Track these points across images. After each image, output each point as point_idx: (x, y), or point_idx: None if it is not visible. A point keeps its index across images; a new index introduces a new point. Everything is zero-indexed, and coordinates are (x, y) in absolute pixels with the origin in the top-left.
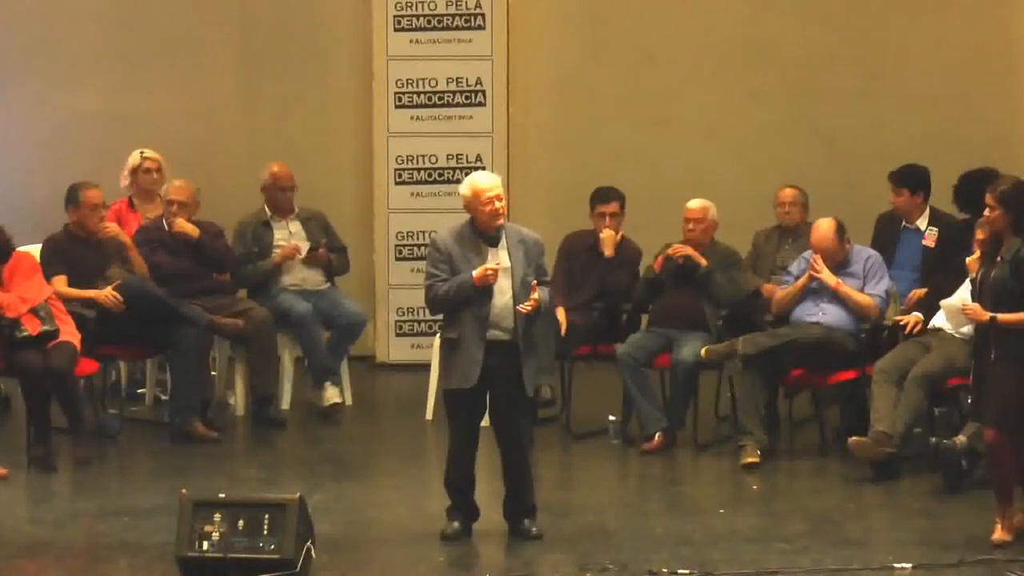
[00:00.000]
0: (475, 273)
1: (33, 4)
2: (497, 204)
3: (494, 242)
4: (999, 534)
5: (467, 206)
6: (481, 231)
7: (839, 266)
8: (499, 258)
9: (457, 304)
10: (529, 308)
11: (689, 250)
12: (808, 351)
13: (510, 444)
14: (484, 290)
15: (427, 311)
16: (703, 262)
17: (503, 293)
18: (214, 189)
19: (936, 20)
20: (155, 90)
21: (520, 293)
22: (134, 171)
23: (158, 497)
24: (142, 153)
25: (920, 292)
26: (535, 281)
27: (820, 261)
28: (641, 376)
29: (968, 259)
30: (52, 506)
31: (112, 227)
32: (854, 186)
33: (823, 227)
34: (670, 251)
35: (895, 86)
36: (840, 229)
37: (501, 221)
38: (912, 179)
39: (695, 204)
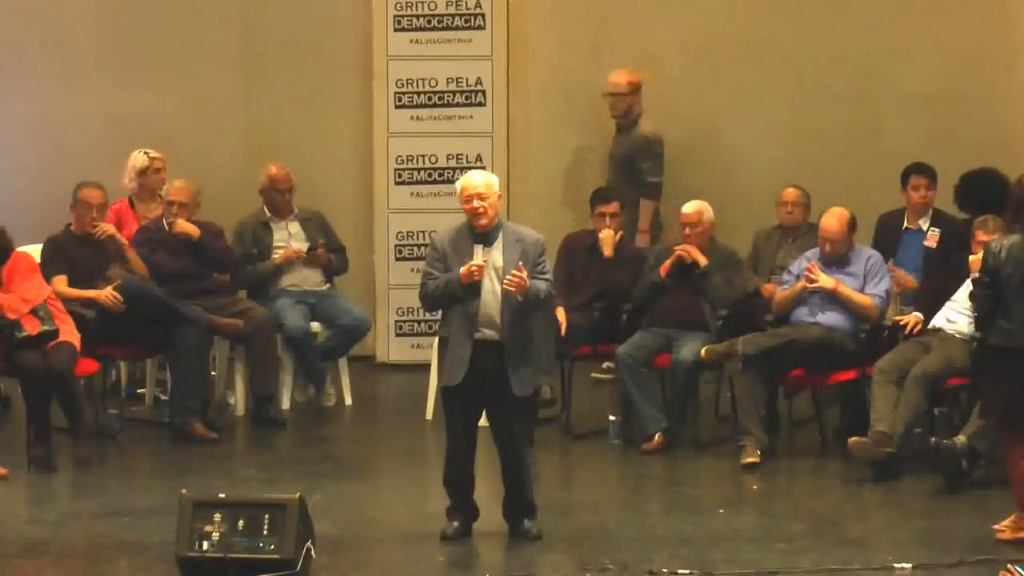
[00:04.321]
0: (461, 270)
1: (33, 4)
2: (475, 203)
3: (489, 241)
4: (1007, 533)
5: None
6: (475, 230)
7: (839, 265)
8: (491, 257)
9: (446, 301)
10: (511, 281)
11: (693, 249)
12: (808, 351)
13: (506, 444)
14: (471, 288)
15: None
16: (703, 261)
17: (493, 293)
18: (214, 189)
19: (936, 20)
20: (155, 90)
21: (510, 294)
22: (143, 172)
23: (158, 497)
24: (148, 153)
25: (909, 277)
26: (522, 263)
27: (815, 269)
28: (641, 376)
29: (971, 258)
30: (52, 506)
31: (107, 227)
32: (854, 186)
33: (835, 213)
34: (678, 250)
35: (895, 86)
36: (852, 221)
37: (484, 220)
38: None
39: (689, 208)
